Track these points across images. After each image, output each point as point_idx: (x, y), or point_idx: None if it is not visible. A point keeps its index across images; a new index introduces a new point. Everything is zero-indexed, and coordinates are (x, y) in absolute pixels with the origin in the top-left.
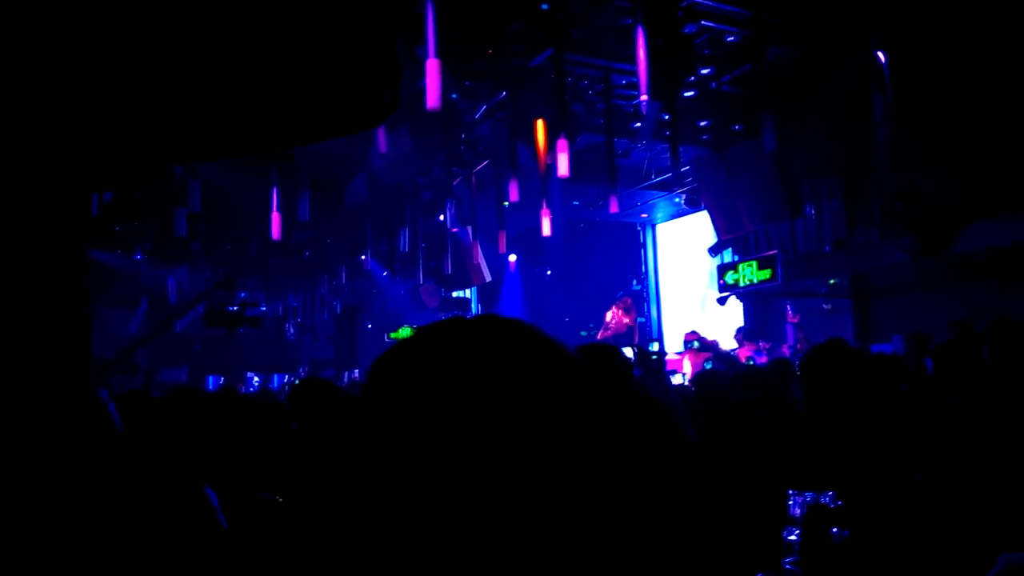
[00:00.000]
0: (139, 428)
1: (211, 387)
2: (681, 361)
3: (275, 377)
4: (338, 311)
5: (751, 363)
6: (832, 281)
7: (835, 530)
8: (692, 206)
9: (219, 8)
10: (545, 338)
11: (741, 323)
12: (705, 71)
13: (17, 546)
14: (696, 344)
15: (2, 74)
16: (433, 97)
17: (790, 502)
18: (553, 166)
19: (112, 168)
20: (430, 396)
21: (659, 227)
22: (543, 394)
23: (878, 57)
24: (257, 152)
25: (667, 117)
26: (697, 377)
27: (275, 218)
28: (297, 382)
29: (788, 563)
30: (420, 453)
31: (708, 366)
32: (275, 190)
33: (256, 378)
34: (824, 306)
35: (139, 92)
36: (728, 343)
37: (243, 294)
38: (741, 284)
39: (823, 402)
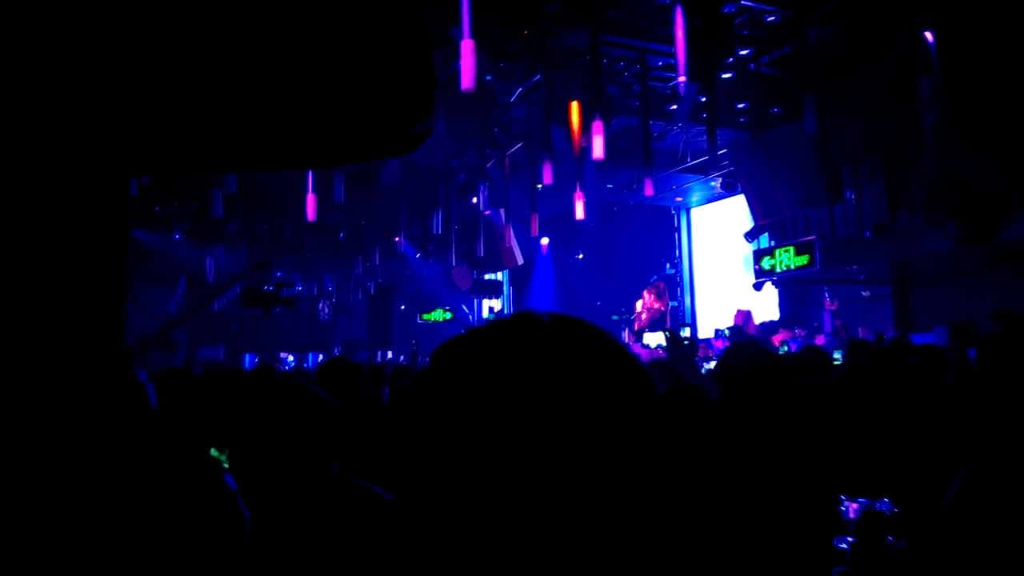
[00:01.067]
0: (177, 405)
1: (248, 366)
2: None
3: (310, 356)
4: (372, 292)
5: (786, 349)
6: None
7: (890, 539)
8: (728, 190)
9: (263, 49)
10: (615, 343)
11: (777, 310)
12: (744, 52)
13: (53, 522)
14: (726, 331)
15: (55, 77)
16: (467, 78)
17: (842, 507)
18: (588, 149)
19: (156, 168)
20: (493, 396)
21: (694, 211)
22: (609, 403)
23: (925, 37)
24: (293, 168)
25: (704, 99)
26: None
27: (310, 200)
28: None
29: (837, 572)
30: (476, 449)
31: None
32: (310, 172)
33: (291, 357)
34: (863, 293)
35: (179, 106)
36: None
37: (279, 274)
38: (778, 270)
39: (734, 395)
